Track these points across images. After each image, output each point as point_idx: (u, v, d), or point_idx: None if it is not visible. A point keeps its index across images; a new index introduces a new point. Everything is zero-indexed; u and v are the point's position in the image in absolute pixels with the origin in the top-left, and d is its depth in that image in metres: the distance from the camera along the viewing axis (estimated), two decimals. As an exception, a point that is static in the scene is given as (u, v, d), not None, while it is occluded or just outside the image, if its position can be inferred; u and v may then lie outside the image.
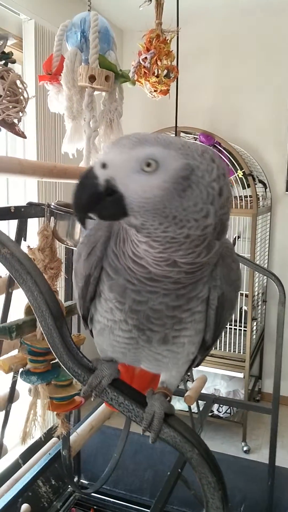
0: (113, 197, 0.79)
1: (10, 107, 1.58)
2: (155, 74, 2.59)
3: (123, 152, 0.77)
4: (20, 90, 1.62)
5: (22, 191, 3.52)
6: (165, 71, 2.61)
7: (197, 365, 1.13)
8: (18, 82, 1.62)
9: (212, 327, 0.99)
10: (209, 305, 0.95)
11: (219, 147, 4.15)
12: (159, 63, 2.59)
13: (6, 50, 1.68)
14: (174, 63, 2.71)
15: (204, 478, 0.87)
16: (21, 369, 1.56)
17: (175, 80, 2.74)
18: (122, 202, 0.79)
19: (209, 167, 0.79)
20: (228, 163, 4.10)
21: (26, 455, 2.15)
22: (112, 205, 0.79)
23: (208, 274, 0.93)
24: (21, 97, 1.60)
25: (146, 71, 2.56)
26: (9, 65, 1.68)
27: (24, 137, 1.62)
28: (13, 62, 1.68)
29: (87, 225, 0.86)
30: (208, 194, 0.79)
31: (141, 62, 2.58)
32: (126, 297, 0.93)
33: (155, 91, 2.62)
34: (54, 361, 1.59)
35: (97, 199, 0.79)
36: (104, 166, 0.77)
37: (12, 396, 1.69)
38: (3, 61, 1.66)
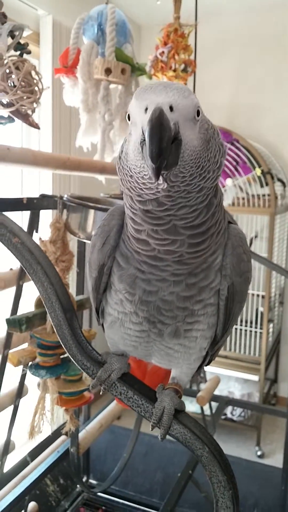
0: (175, 143, 0.75)
1: (24, 97, 1.55)
2: (172, 68, 2.56)
3: (186, 97, 0.76)
4: (35, 81, 1.59)
5: (36, 183, 3.51)
6: (183, 65, 2.57)
7: (208, 364, 1.10)
8: (32, 73, 1.60)
9: (222, 320, 0.95)
10: (219, 295, 0.92)
11: (237, 144, 4.09)
12: (176, 57, 2.56)
13: (22, 41, 1.67)
14: (192, 57, 2.67)
15: (215, 477, 0.84)
16: (30, 363, 1.54)
17: (193, 74, 2.70)
18: (178, 149, 0.76)
19: (212, 125, 0.84)
20: (246, 160, 4.05)
21: (35, 453, 2.12)
22: (173, 152, 0.75)
23: (219, 262, 0.90)
24: (36, 88, 1.58)
25: (163, 65, 2.53)
26: (25, 56, 1.66)
27: (38, 128, 1.59)
28: (28, 52, 1.66)
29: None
30: (219, 149, 0.82)
31: (158, 56, 2.55)
32: (136, 287, 0.90)
33: (172, 85, 2.58)
34: (63, 356, 1.56)
35: (169, 143, 0.74)
36: (171, 109, 0.74)
37: (21, 390, 1.66)
38: (19, 52, 1.64)
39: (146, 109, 0.74)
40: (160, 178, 0.75)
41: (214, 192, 0.84)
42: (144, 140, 0.74)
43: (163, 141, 0.72)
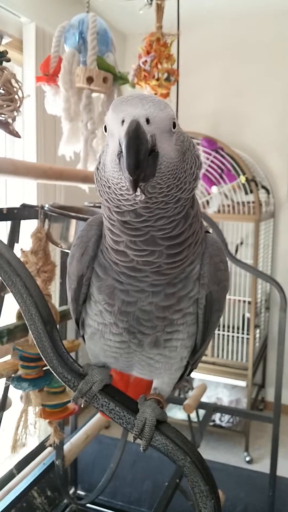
0: (152, 155, 0.76)
1: (4, 106, 1.55)
2: (155, 77, 2.57)
3: (162, 110, 0.76)
4: (15, 89, 1.59)
5: (21, 192, 3.49)
6: (166, 75, 2.58)
7: (189, 373, 1.10)
8: (12, 81, 1.59)
9: (201, 329, 0.96)
10: (198, 304, 0.92)
11: (221, 152, 4.12)
12: (159, 66, 2.57)
13: (1, 49, 1.66)
14: (175, 66, 2.68)
15: (197, 487, 0.84)
16: (12, 375, 1.52)
17: (176, 83, 2.71)
18: (156, 161, 0.76)
19: (188, 137, 0.84)
20: (231, 168, 4.07)
21: (21, 465, 2.09)
22: (150, 164, 0.75)
23: (198, 272, 0.90)
24: (16, 96, 1.57)
25: (146, 74, 2.54)
26: (4, 64, 1.65)
27: (18, 136, 1.58)
28: (8, 60, 1.65)
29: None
30: (196, 160, 0.83)
31: (141, 65, 2.56)
32: (115, 298, 0.90)
33: (155, 94, 2.59)
34: (46, 367, 1.55)
35: (146, 156, 0.74)
36: (148, 121, 0.74)
37: (4, 403, 1.64)
38: (-2, 60, 1.63)
39: (123, 121, 0.74)
40: (138, 189, 0.75)
41: (191, 203, 0.85)
42: (121, 152, 0.74)
43: (140, 154, 0.72)
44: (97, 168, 0.86)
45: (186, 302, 0.91)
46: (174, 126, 0.78)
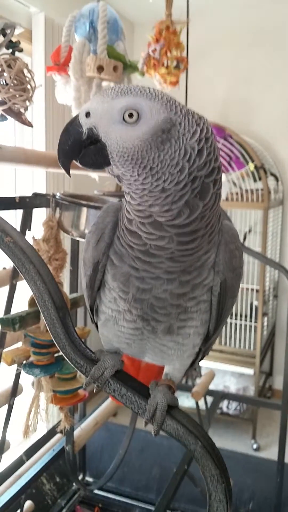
0: (96, 146, 0.81)
1: (17, 95, 1.55)
2: (165, 65, 2.56)
3: (105, 102, 0.79)
4: (27, 79, 1.59)
5: (30, 181, 3.51)
6: (175, 62, 2.57)
7: (201, 360, 1.11)
8: (25, 71, 1.60)
9: (215, 316, 0.96)
10: (212, 291, 0.93)
11: (230, 139, 4.10)
12: (168, 54, 2.56)
13: (14, 39, 1.66)
14: (184, 54, 2.67)
15: (208, 471, 0.85)
16: (24, 362, 1.54)
17: (185, 71, 2.70)
18: (104, 151, 0.81)
19: (192, 128, 0.80)
20: (239, 155, 4.05)
21: (30, 452, 2.13)
22: (95, 153, 0.82)
23: (213, 259, 0.90)
24: (28, 86, 1.58)
25: (155, 62, 2.53)
26: (17, 54, 1.66)
27: (31, 126, 1.59)
28: (20, 50, 1.66)
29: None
30: (186, 152, 0.80)
31: (150, 53, 2.55)
32: (130, 285, 0.91)
33: (164, 82, 2.58)
34: (57, 354, 1.57)
35: (80, 146, 0.81)
36: (87, 115, 0.79)
37: (15, 389, 1.67)
38: (10, 50, 1.64)
39: None
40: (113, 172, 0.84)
41: (196, 195, 0.82)
42: None
43: (65, 144, 0.81)
44: None
45: (200, 289, 0.91)
46: (131, 116, 0.78)
